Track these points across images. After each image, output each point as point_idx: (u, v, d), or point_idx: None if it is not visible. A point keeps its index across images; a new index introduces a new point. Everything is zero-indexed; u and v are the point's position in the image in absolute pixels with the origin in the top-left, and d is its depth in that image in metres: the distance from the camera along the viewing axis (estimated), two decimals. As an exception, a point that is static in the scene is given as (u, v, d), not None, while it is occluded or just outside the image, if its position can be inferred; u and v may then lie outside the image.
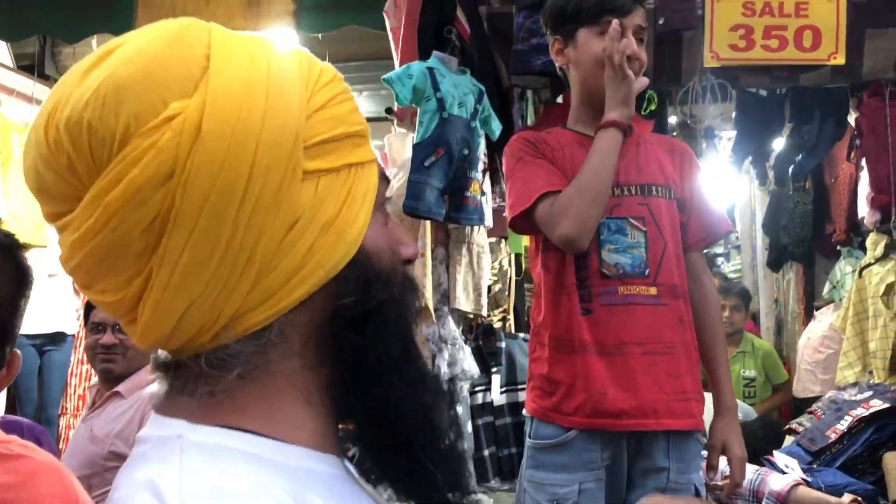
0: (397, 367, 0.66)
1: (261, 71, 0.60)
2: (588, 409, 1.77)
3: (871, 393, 3.01)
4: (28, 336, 4.53)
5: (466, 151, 2.83)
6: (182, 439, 0.60)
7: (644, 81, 1.81)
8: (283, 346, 0.63)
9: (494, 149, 3.39)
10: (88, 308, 2.67)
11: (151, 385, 2.55)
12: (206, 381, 0.62)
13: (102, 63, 0.59)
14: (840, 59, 2.74)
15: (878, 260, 3.93)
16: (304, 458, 0.62)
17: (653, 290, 1.80)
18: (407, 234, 0.70)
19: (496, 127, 2.98)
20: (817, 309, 4.83)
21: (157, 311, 0.60)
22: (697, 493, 1.83)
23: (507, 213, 1.91)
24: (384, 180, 0.69)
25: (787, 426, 3.43)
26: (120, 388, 2.46)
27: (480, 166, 2.97)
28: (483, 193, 3.01)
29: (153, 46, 0.59)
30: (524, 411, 1.92)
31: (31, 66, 5.08)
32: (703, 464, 1.88)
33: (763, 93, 4.00)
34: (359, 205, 0.64)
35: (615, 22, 1.75)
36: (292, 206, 0.60)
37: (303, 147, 0.60)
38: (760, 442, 3.08)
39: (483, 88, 2.93)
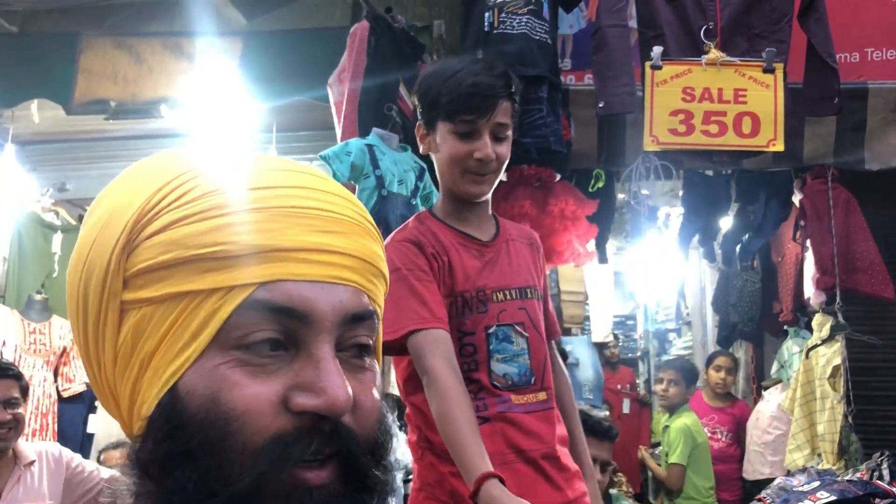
0: None
1: (106, 199, 0.63)
2: None
3: (818, 483, 2.94)
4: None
5: (406, 229, 2.75)
6: None
7: None
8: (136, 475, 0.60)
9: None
10: None
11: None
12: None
13: None
14: (779, 146, 2.74)
15: (824, 341, 3.92)
16: None
17: (542, 395, 1.73)
18: (330, 378, 0.57)
19: (438, 204, 2.92)
20: (764, 389, 4.80)
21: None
22: None
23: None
24: (272, 312, 0.57)
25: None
26: (31, 456, 2.52)
27: (421, 244, 2.89)
28: (423, 272, 2.92)
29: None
30: None
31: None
32: None
33: (709, 172, 4.03)
34: (184, 339, 0.57)
35: None
36: (115, 337, 0.60)
37: (121, 277, 0.59)
38: None
39: (424, 166, 2.88)
